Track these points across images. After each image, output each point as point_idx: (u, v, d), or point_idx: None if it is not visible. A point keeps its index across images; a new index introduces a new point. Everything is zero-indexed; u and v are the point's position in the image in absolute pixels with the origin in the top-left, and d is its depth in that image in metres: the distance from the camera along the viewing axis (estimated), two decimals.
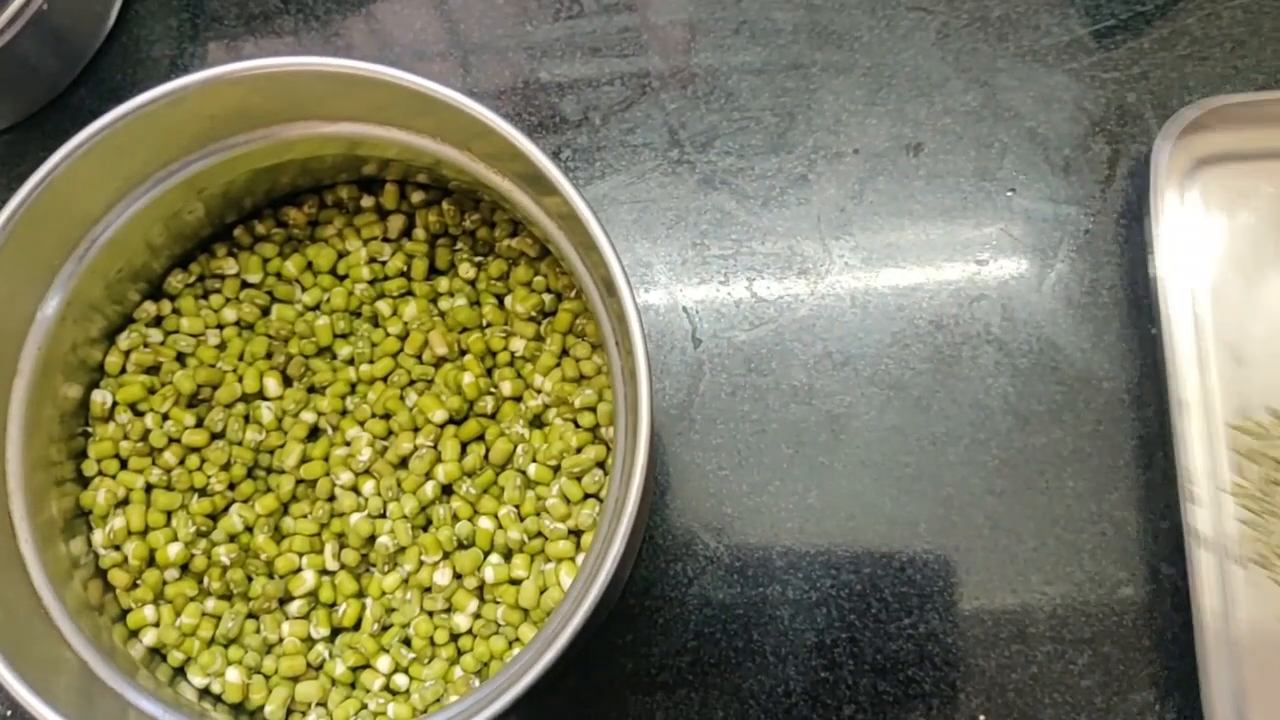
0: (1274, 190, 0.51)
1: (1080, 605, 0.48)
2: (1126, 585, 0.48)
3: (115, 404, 0.44)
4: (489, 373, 0.45)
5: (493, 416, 0.45)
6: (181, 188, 0.42)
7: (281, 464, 0.44)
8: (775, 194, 0.52)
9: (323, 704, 0.43)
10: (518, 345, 0.45)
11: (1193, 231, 0.50)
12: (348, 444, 0.44)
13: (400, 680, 0.43)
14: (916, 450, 0.49)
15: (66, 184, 0.38)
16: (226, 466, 0.44)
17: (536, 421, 0.45)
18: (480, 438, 0.44)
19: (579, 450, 0.43)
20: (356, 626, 0.44)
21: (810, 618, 0.48)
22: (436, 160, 0.42)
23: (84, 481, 0.44)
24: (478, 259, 0.46)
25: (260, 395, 0.45)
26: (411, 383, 0.45)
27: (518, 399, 0.45)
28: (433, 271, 0.46)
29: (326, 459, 0.44)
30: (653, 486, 0.49)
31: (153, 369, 0.45)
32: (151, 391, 0.45)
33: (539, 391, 0.44)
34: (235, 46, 0.55)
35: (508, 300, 0.45)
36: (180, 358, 0.46)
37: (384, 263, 0.46)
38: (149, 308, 0.46)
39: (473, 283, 0.46)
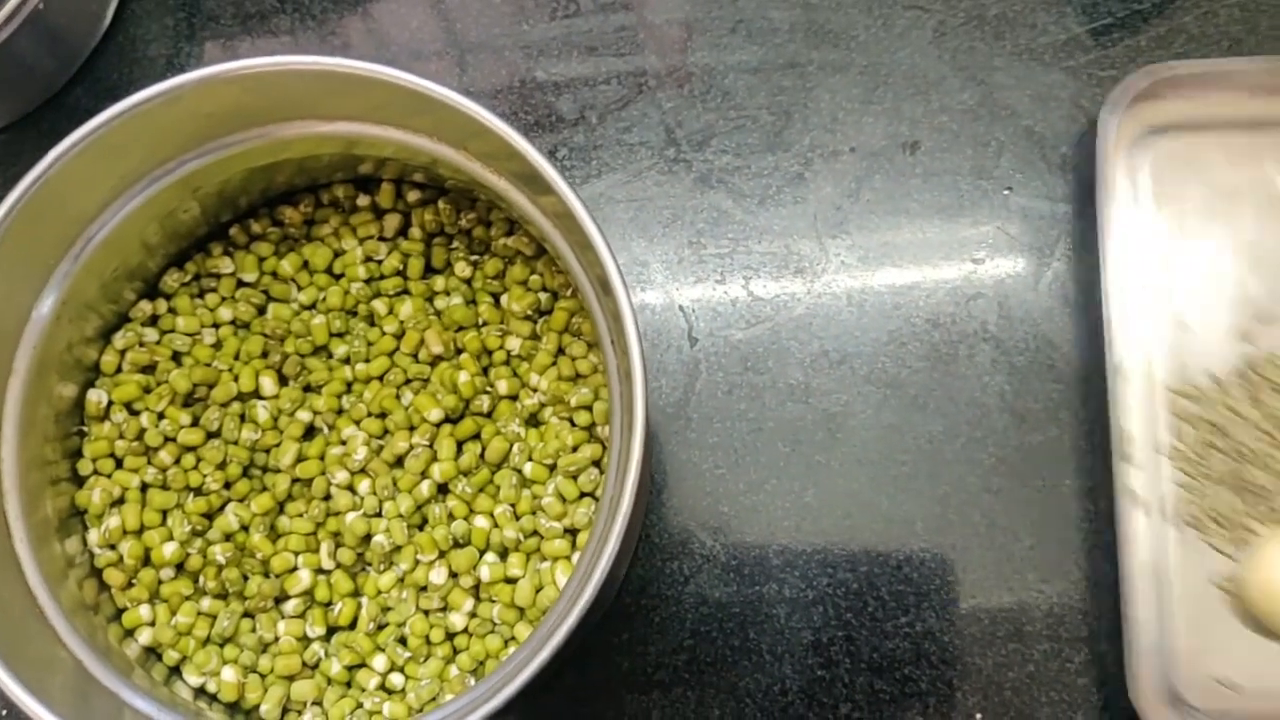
0: (1222, 158, 0.51)
1: (1077, 603, 0.48)
2: (1124, 584, 0.47)
3: (111, 403, 0.44)
4: (485, 371, 0.45)
5: (489, 415, 0.45)
6: (177, 187, 0.42)
7: (277, 463, 0.44)
8: (772, 193, 0.52)
9: (318, 703, 0.43)
10: (514, 344, 0.45)
11: (1140, 199, 0.50)
12: (343, 443, 0.44)
13: (396, 679, 0.43)
14: (913, 449, 0.49)
15: (62, 183, 0.38)
16: (222, 465, 0.44)
17: (532, 420, 0.45)
18: (476, 436, 0.44)
19: (575, 449, 0.43)
20: (352, 625, 0.44)
21: (807, 616, 0.48)
22: (433, 159, 0.42)
23: (79, 481, 0.44)
24: (474, 258, 0.46)
25: (256, 394, 0.45)
26: (407, 381, 0.45)
27: (514, 398, 0.45)
28: (429, 270, 0.46)
29: (322, 458, 0.44)
30: (648, 485, 0.49)
31: (148, 368, 0.45)
32: (147, 390, 0.45)
33: (535, 390, 0.44)
34: (231, 46, 0.55)
35: (504, 299, 0.45)
36: (176, 357, 0.45)
37: (380, 261, 0.46)
38: (145, 307, 0.46)
39: (469, 281, 0.46)
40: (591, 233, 0.36)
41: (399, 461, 0.44)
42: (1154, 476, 0.48)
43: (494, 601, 0.43)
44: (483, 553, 0.43)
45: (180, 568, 0.44)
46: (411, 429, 0.44)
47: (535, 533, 0.43)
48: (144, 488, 0.44)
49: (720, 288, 0.51)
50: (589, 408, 0.43)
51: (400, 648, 0.43)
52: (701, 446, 0.49)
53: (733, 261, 0.51)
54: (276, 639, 0.43)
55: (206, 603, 0.43)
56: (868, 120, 0.53)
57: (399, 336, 0.45)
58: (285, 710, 0.43)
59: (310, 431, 0.45)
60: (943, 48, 0.53)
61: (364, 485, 0.44)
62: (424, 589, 0.43)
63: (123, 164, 0.41)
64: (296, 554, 0.44)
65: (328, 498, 0.44)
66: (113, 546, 0.43)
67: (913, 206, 0.52)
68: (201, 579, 0.43)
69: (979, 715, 0.47)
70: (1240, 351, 0.49)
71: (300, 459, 0.44)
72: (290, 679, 0.43)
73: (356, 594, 0.44)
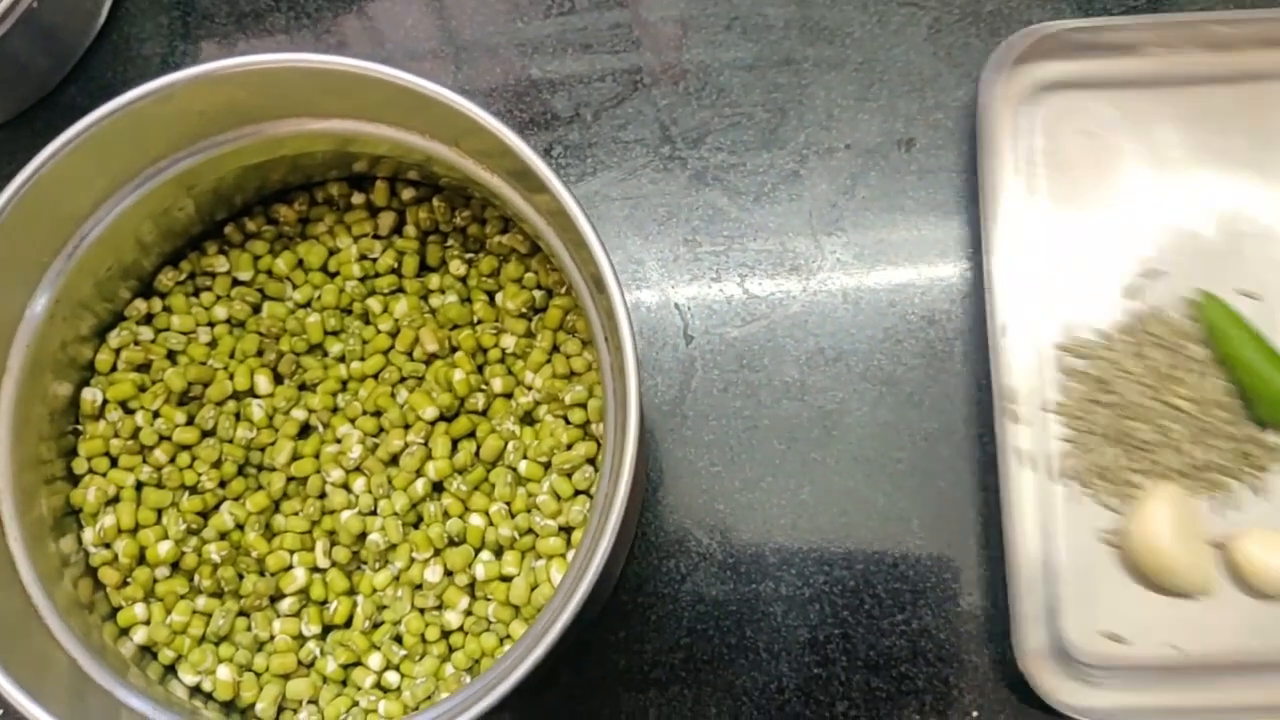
0: (1110, 116, 0.51)
1: None
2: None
3: (106, 402, 0.44)
4: (480, 369, 0.45)
5: (483, 413, 0.45)
6: (171, 185, 0.42)
7: (272, 461, 0.44)
8: (767, 190, 0.52)
9: (314, 701, 0.43)
10: (508, 342, 0.45)
11: (1024, 158, 0.51)
12: (338, 441, 0.44)
13: (391, 677, 0.43)
14: (909, 446, 0.49)
15: (55, 181, 0.38)
16: (217, 464, 0.44)
17: (527, 418, 0.45)
18: (471, 434, 0.44)
19: (569, 447, 0.43)
20: (348, 624, 0.44)
21: (803, 614, 0.48)
22: (427, 157, 0.42)
23: (74, 479, 0.44)
24: (468, 256, 0.46)
25: (251, 393, 0.45)
26: (402, 380, 0.45)
27: (508, 395, 0.45)
28: (423, 268, 0.46)
29: (317, 456, 0.44)
30: (644, 483, 0.49)
31: (143, 367, 0.45)
32: (142, 389, 0.45)
33: (530, 388, 0.44)
34: (227, 44, 0.55)
35: (498, 297, 0.45)
36: (171, 355, 0.45)
37: (375, 260, 0.46)
38: (139, 305, 0.45)
39: (463, 279, 0.46)
40: (585, 230, 0.36)
41: (394, 460, 0.44)
42: (1041, 434, 0.48)
43: (489, 599, 0.43)
44: (478, 551, 0.43)
45: (175, 566, 0.44)
46: (406, 427, 0.44)
47: (530, 531, 0.43)
48: (139, 486, 0.44)
49: (716, 285, 0.51)
50: (584, 405, 0.43)
51: (396, 646, 0.43)
52: (697, 444, 0.49)
53: (728, 259, 0.51)
54: (272, 637, 0.43)
55: (202, 601, 0.43)
56: (863, 117, 0.53)
57: (394, 334, 0.45)
58: (281, 709, 0.43)
59: (305, 430, 0.45)
60: (938, 44, 0.53)
61: (359, 483, 0.44)
62: (419, 587, 0.43)
63: (116, 162, 0.41)
64: (292, 552, 0.44)
65: (323, 496, 0.44)
66: (108, 545, 0.43)
67: (908, 204, 0.52)
68: (197, 577, 0.43)
69: (975, 713, 0.47)
70: (1126, 308, 0.49)
71: (295, 457, 0.44)
72: (286, 677, 0.43)
73: (352, 592, 0.44)
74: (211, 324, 0.46)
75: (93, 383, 0.45)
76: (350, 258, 0.46)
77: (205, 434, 0.45)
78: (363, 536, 0.44)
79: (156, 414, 0.44)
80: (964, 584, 0.48)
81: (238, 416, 0.45)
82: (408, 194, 0.46)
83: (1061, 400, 0.48)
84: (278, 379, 0.45)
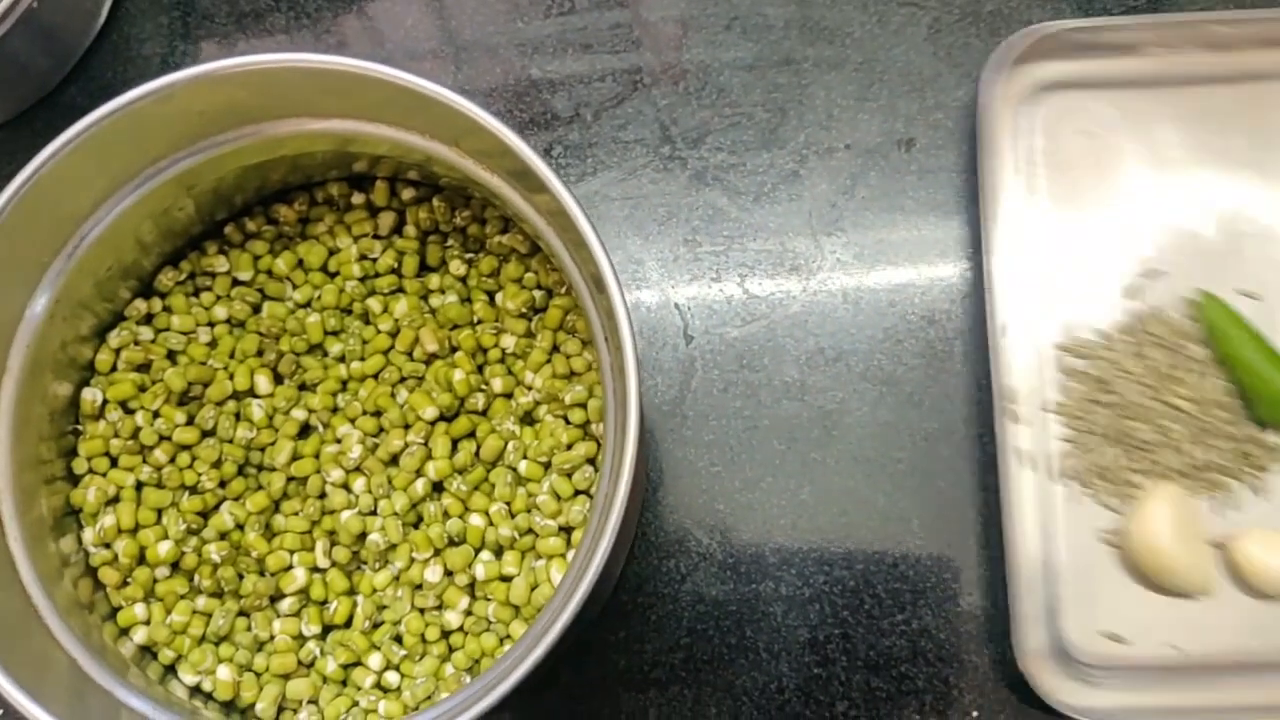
0: (1109, 116, 0.51)
1: None
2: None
3: (106, 402, 0.44)
4: (480, 369, 0.45)
5: (483, 413, 0.45)
6: (171, 185, 0.42)
7: (272, 461, 0.44)
8: (767, 190, 0.52)
9: (314, 701, 0.43)
10: (508, 342, 0.45)
11: (1024, 158, 0.51)
12: (338, 441, 0.44)
13: (391, 677, 0.43)
14: (909, 446, 0.49)
15: (55, 181, 0.38)
16: (217, 464, 0.44)
17: (527, 418, 0.45)
18: (471, 434, 0.44)
19: (569, 447, 0.43)
20: (348, 624, 0.44)
21: (803, 614, 0.48)
22: (427, 157, 0.42)
23: (74, 479, 0.44)
24: (468, 256, 0.46)
25: (251, 393, 0.45)
26: (402, 380, 0.45)
27: (508, 395, 0.45)
28: (423, 268, 0.46)
29: (317, 456, 0.44)
30: (644, 483, 0.49)
31: (143, 367, 0.45)
32: (142, 389, 0.45)
33: (530, 388, 0.44)
34: (227, 44, 0.55)
35: (498, 297, 0.45)
36: (171, 355, 0.45)
37: (375, 260, 0.46)
38: (139, 305, 0.45)
39: (463, 279, 0.46)
40: (585, 230, 0.36)
41: (394, 460, 0.44)
42: (1041, 434, 0.48)
43: (489, 599, 0.43)
44: (478, 551, 0.43)
45: (175, 566, 0.44)
46: (406, 427, 0.44)
47: (530, 530, 0.43)
48: (139, 486, 0.44)
49: (716, 285, 0.51)
50: (584, 405, 0.43)
51: (396, 646, 0.43)
52: (697, 444, 0.49)
53: (728, 259, 0.51)
54: (272, 637, 0.43)
55: (202, 601, 0.43)
56: (863, 117, 0.52)
57: (394, 334, 0.45)
58: (281, 709, 0.43)
59: (305, 430, 0.45)
60: (938, 44, 0.53)
61: (359, 483, 0.44)
62: (419, 587, 0.43)
63: (116, 162, 0.41)
64: (292, 552, 0.44)
65: (323, 496, 0.44)
66: (108, 545, 0.43)
67: (908, 203, 0.52)
68: (197, 577, 0.43)
69: (975, 713, 0.47)
70: (1127, 308, 0.49)
71: (295, 457, 0.44)
72: (286, 677, 0.43)
73: (352, 592, 0.44)
74: (211, 324, 0.46)
75: (93, 383, 0.45)
76: (350, 258, 0.46)
77: (205, 434, 0.45)
78: (363, 536, 0.44)
79: (156, 414, 0.44)
80: (964, 584, 0.48)
81: (238, 416, 0.45)
82: (408, 194, 0.46)
83: (1061, 400, 0.48)
84: (278, 379, 0.45)
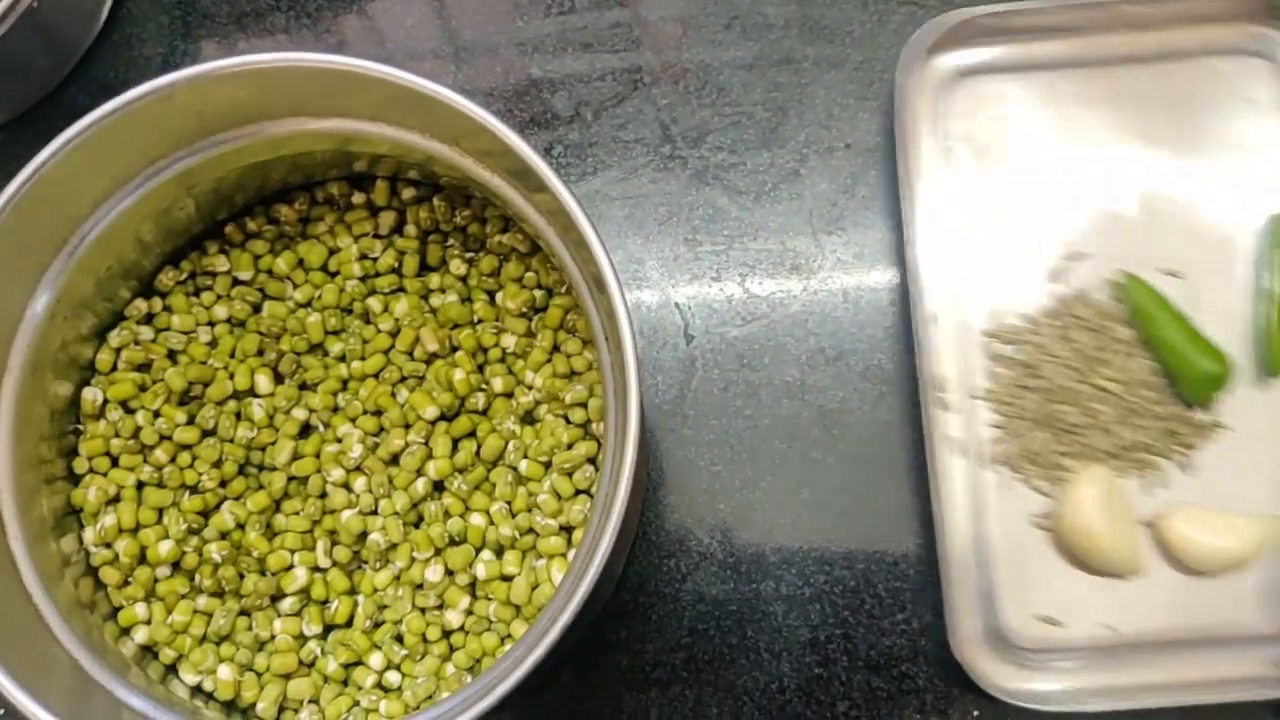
0: (1028, 99, 0.51)
1: None
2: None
3: (106, 401, 0.44)
4: (480, 369, 0.45)
5: (484, 413, 0.45)
6: (171, 184, 0.42)
7: (273, 461, 0.44)
8: (767, 189, 0.52)
9: (315, 701, 0.43)
10: (509, 341, 0.45)
11: (943, 145, 0.51)
12: (339, 441, 0.44)
13: (392, 677, 0.43)
14: (910, 445, 0.49)
15: (55, 181, 0.38)
16: (218, 464, 0.44)
17: (528, 417, 0.45)
18: (471, 434, 0.44)
19: (570, 446, 0.43)
20: (349, 623, 0.44)
21: (804, 614, 0.48)
22: (427, 156, 0.42)
23: (75, 479, 0.44)
24: (469, 255, 0.46)
25: (251, 392, 0.45)
26: (403, 379, 0.45)
27: (509, 395, 0.45)
28: (424, 268, 0.46)
29: (318, 456, 0.44)
30: (644, 482, 0.49)
31: (144, 366, 0.45)
32: (142, 389, 0.45)
33: (530, 387, 0.44)
34: (227, 43, 0.55)
35: (499, 296, 0.45)
36: (171, 355, 0.45)
37: (375, 259, 0.46)
38: (140, 305, 0.45)
39: (464, 279, 0.46)
40: (585, 230, 0.36)
41: (395, 459, 0.44)
42: (971, 421, 0.48)
43: (490, 599, 0.43)
44: (478, 550, 0.43)
45: (176, 566, 0.44)
46: (407, 426, 0.44)
47: (531, 530, 0.43)
48: (140, 486, 0.44)
49: (716, 285, 0.51)
50: (584, 405, 0.43)
51: (397, 645, 0.43)
52: (698, 444, 0.49)
53: (728, 258, 0.51)
54: (273, 637, 0.43)
55: (203, 601, 0.43)
56: (863, 116, 0.52)
57: (394, 334, 0.45)
58: (282, 708, 0.43)
59: (306, 429, 0.45)
60: None
61: (360, 483, 0.44)
62: (420, 587, 0.43)
63: (116, 162, 0.41)
64: (293, 552, 0.44)
65: (323, 495, 0.44)
66: (108, 545, 0.43)
67: None
68: (198, 577, 0.43)
69: (976, 712, 0.47)
70: (1052, 291, 0.49)
71: (296, 457, 0.44)
72: (287, 677, 0.43)
73: (353, 592, 0.44)
74: (212, 323, 0.46)
75: (93, 382, 0.45)
76: (351, 257, 0.46)
77: (206, 433, 0.45)
78: (363, 536, 0.44)
79: (157, 414, 0.44)
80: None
81: (238, 416, 0.45)
82: (408, 193, 0.46)
83: (990, 386, 0.48)
84: (278, 378, 0.45)
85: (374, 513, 0.44)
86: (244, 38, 0.55)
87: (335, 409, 0.45)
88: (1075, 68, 0.51)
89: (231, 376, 0.45)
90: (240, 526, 0.44)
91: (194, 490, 0.44)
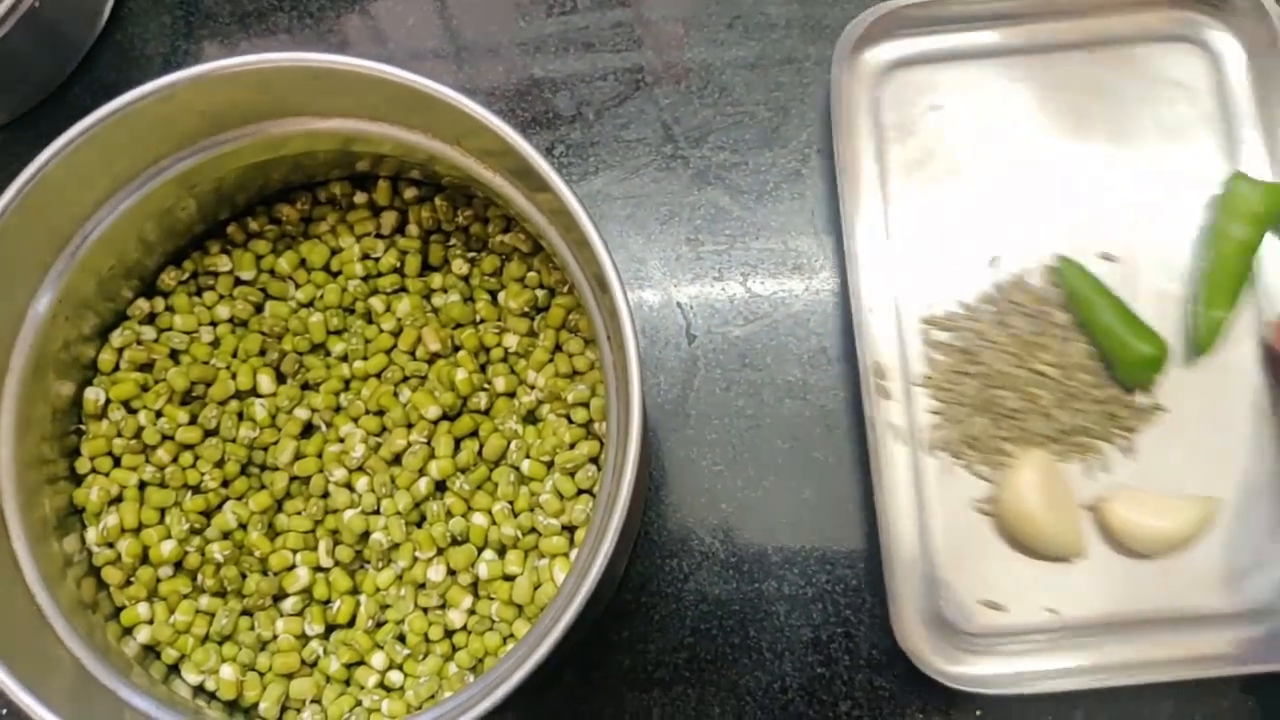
0: (957, 90, 0.51)
1: None
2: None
3: (108, 401, 0.44)
4: (482, 368, 0.45)
5: (486, 412, 0.45)
6: (173, 184, 0.42)
7: (275, 461, 0.44)
8: (769, 189, 0.52)
9: (317, 701, 0.43)
10: (511, 341, 0.45)
11: (879, 137, 0.51)
12: (341, 440, 0.44)
13: (395, 676, 0.43)
14: None
15: (57, 181, 0.38)
16: (220, 464, 0.44)
17: (530, 417, 0.45)
18: (474, 434, 0.44)
19: (572, 446, 0.43)
20: (351, 623, 0.44)
21: (806, 613, 0.48)
22: (429, 156, 0.42)
23: (77, 479, 0.44)
24: (471, 255, 0.46)
25: (254, 392, 0.45)
26: (405, 379, 0.45)
27: (511, 395, 0.45)
28: (426, 267, 0.46)
29: (320, 455, 0.44)
30: (646, 482, 0.49)
31: (146, 366, 0.45)
32: (145, 389, 0.45)
33: (532, 387, 0.44)
34: (229, 44, 0.55)
35: (501, 296, 0.45)
36: (174, 355, 0.45)
37: (377, 259, 0.46)
38: (142, 305, 0.45)
39: (466, 279, 0.46)
40: (588, 230, 0.36)
41: (397, 459, 0.44)
42: (912, 408, 0.48)
43: (492, 599, 0.43)
44: (481, 550, 0.43)
45: (179, 566, 0.44)
46: (409, 426, 0.44)
47: (533, 530, 0.43)
48: (142, 486, 0.44)
49: (718, 284, 0.51)
50: (586, 404, 0.43)
51: (399, 645, 0.43)
52: (700, 443, 0.49)
53: (730, 258, 0.51)
54: (275, 637, 0.43)
55: (205, 601, 0.43)
56: None
57: (396, 334, 0.45)
58: (284, 708, 0.43)
59: (308, 429, 0.45)
60: None
61: (362, 483, 0.44)
62: (422, 586, 0.43)
63: (118, 162, 0.41)
64: (295, 552, 0.44)
65: (326, 495, 0.44)
66: (111, 545, 0.43)
67: None
68: (200, 577, 0.43)
69: (979, 711, 0.47)
70: (990, 277, 0.49)
71: (298, 457, 0.44)
72: (289, 677, 0.43)
73: (355, 591, 0.44)
74: (214, 323, 0.46)
75: (95, 382, 0.45)
76: (353, 257, 0.46)
77: (208, 433, 0.45)
78: (366, 535, 0.44)
79: (159, 413, 0.44)
80: None
81: (240, 416, 0.45)
82: (410, 193, 0.46)
83: (928, 373, 0.49)
84: (280, 378, 0.45)
85: (376, 512, 0.44)
86: (246, 38, 0.55)
87: (337, 409, 0.45)
88: (1007, 56, 0.51)
89: (234, 376, 0.45)
90: (242, 526, 0.44)
91: (196, 490, 0.44)
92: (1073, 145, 0.50)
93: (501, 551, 0.43)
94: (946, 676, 0.45)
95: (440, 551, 0.43)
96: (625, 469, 0.34)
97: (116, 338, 0.45)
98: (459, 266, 0.46)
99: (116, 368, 0.45)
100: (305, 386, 0.45)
